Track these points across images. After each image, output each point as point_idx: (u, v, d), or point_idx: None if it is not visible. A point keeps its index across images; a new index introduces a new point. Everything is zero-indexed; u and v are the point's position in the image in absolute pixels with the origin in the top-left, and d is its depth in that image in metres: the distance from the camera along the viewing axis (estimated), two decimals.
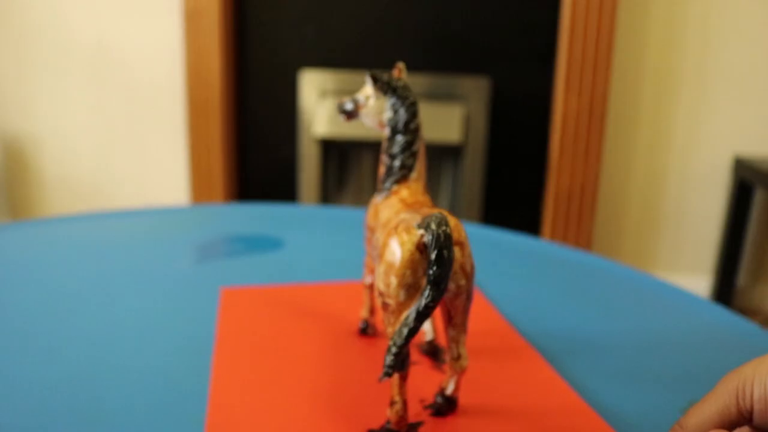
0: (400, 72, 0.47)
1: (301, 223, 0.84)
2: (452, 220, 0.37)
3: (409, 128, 0.46)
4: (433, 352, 0.48)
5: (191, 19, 1.90)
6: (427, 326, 0.50)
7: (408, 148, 0.46)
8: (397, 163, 0.46)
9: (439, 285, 0.34)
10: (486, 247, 0.76)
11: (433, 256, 0.34)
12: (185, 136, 2.08)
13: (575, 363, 0.49)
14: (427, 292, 0.34)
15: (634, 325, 0.57)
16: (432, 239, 0.35)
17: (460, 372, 0.40)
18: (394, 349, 0.35)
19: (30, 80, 2.17)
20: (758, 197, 2.05)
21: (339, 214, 0.88)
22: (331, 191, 2.03)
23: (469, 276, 0.37)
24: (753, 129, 2.00)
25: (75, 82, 2.15)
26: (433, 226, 0.35)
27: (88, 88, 2.15)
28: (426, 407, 0.41)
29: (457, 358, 0.39)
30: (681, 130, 2.02)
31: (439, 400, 0.41)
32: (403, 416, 0.38)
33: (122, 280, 0.64)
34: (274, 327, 0.53)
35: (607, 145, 2.01)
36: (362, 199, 2.05)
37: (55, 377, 0.45)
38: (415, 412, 0.41)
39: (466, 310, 0.38)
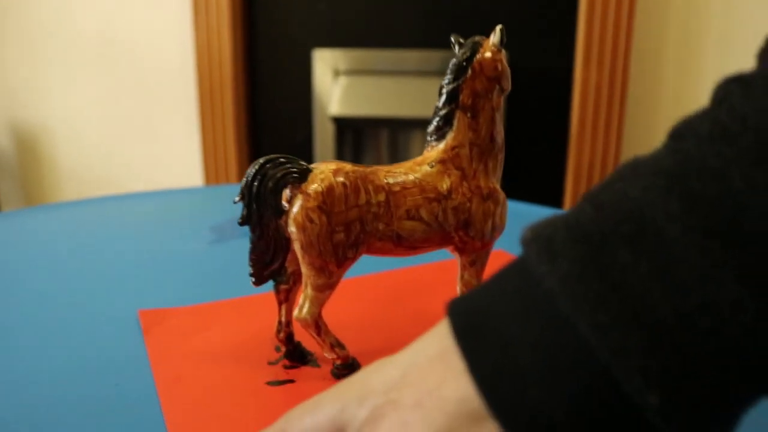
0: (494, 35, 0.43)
1: None
2: (323, 174, 0.39)
3: (443, 91, 0.42)
4: None
5: None
6: None
7: (436, 111, 0.42)
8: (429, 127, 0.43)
9: (246, 206, 0.39)
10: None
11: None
12: (197, 120, 2.05)
13: None
14: None
15: None
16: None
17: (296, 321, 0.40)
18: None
19: (40, 70, 2.15)
20: None
21: None
22: None
23: (300, 227, 0.38)
24: None
25: (85, 70, 2.13)
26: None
27: (98, 76, 2.13)
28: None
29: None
30: (704, 101, 1.96)
31: (291, 346, 0.43)
32: (276, 335, 0.43)
33: (136, 262, 0.62)
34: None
35: (629, 118, 1.97)
36: None
37: (67, 362, 0.44)
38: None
39: (305, 261, 0.39)
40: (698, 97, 1.96)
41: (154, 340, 0.46)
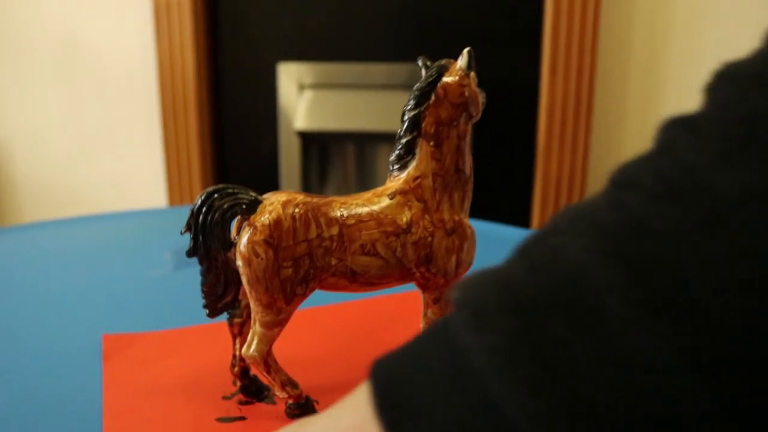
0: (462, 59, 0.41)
1: None
2: (272, 206, 0.36)
3: (404, 117, 0.40)
4: None
5: (161, 12, 1.83)
6: None
7: (398, 139, 0.40)
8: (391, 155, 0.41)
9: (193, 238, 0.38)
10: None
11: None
12: (161, 135, 2.02)
13: None
14: None
15: None
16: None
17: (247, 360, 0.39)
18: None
19: None
20: None
21: None
22: (314, 186, 1.98)
23: (246, 261, 0.36)
24: None
25: (44, 83, 2.08)
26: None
27: (58, 88, 2.08)
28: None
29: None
30: (670, 112, 1.98)
31: (246, 381, 0.42)
32: (231, 369, 0.41)
33: (101, 287, 0.61)
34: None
35: (596, 130, 1.98)
36: (346, 193, 2.00)
37: (22, 393, 0.43)
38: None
39: (252, 296, 0.37)
40: (663, 108, 1.98)
41: (113, 368, 0.45)
